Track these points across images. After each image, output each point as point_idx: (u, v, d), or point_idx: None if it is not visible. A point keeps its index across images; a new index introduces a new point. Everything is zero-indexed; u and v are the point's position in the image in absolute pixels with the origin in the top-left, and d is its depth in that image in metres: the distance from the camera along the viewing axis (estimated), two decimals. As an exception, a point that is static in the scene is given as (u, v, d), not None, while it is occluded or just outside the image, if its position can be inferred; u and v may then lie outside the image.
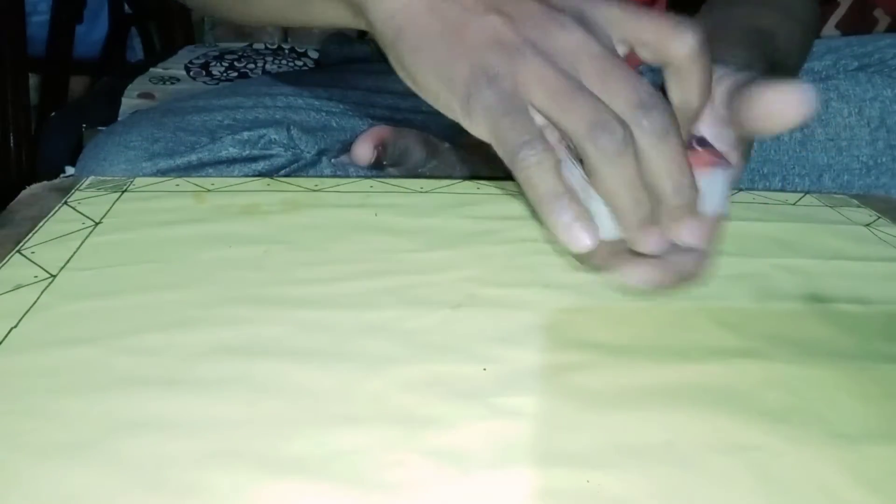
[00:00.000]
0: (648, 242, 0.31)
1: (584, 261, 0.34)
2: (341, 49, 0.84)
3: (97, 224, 0.43)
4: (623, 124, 0.29)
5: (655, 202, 0.30)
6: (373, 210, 0.46)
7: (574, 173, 0.31)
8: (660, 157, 0.29)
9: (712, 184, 0.32)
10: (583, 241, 0.29)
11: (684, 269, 0.33)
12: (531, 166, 0.29)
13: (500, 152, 0.30)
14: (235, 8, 0.46)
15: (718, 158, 0.33)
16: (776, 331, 0.35)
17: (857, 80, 0.52)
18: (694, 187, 0.30)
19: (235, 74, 1.04)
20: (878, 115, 0.52)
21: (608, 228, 0.31)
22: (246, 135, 0.56)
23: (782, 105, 0.30)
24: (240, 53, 1.13)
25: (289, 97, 0.62)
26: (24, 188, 0.48)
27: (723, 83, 0.34)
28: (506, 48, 0.30)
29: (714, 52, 0.38)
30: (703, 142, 0.33)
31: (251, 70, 1.06)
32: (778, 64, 0.42)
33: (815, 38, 0.52)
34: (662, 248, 0.31)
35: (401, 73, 0.33)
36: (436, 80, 0.31)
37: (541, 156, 0.29)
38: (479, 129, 0.31)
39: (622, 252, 0.32)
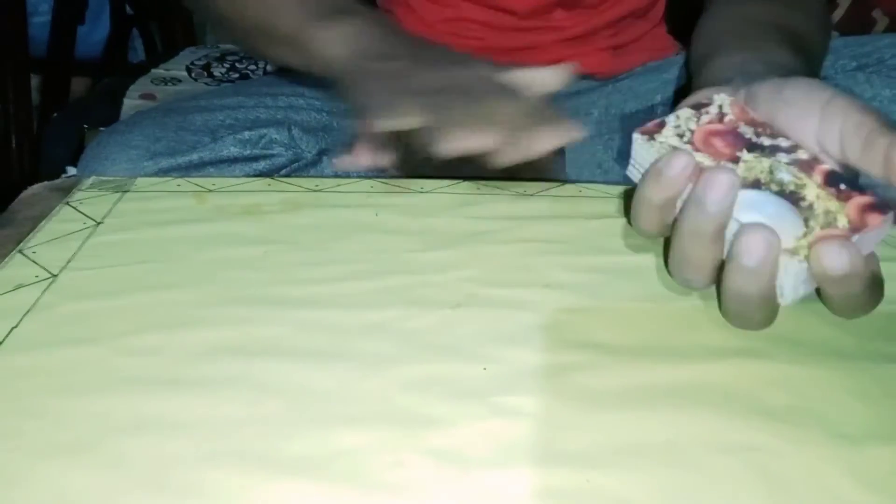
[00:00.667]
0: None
1: None
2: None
3: (98, 224, 0.44)
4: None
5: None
6: (373, 210, 0.46)
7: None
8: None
9: (876, 234, 0.29)
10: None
11: None
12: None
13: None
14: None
15: (876, 201, 0.29)
16: (777, 331, 0.35)
17: (855, 81, 0.52)
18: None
19: (237, 75, 1.04)
20: (878, 115, 0.52)
21: (783, 234, 0.28)
22: (247, 134, 0.56)
23: None
24: (241, 55, 1.13)
25: (290, 97, 0.62)
26: (26, 188, 0.48)
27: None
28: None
29: (750, 48, 0.42)
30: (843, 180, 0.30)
31: (252, 71, 1.06)
32: (812, 67, 0.43)
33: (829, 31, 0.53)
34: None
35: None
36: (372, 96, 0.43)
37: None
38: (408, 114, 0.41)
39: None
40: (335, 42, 0.46)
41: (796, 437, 0.29)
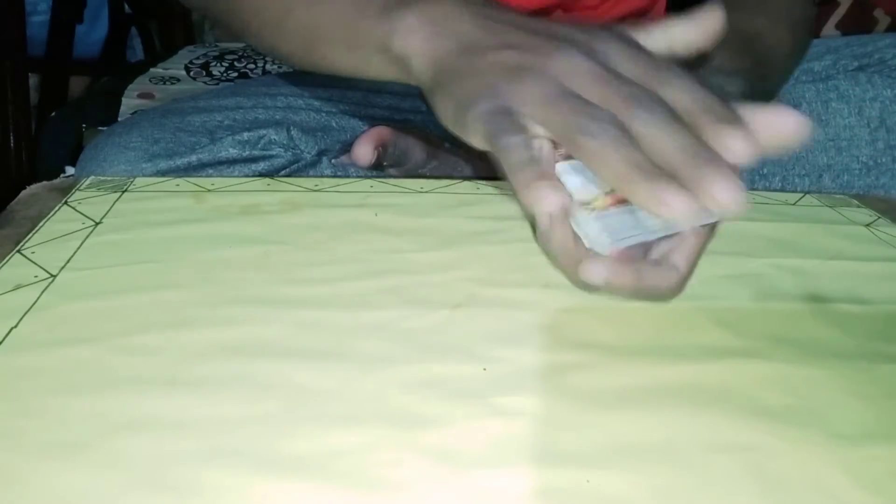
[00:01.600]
0: (676, 205, 0.28)
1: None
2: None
3: (97, 224, 0.43)
4: (614, 116, 0.30)
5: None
6: (373, 210, 0.46)
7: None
8: (666, 137, 0.29)
9: None
10: (547, 199, 0.29)
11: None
12: (511, 147, 0.30)
13: (492, 149, 0.31)
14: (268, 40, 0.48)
15: None
16: (776, 331, 0.35)
17: (856, 81, 0.52)
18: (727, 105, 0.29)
19: (235, 74, 1.04)
20: (878, 115, 0.52)
21: (587, 193, 0.31)
22: (246, 135, 0.56)
23: (773, 130, 0.30)
24: (240, 53, 1.13)
25: (289, 97, 0.62)
26: (24, 188, 0.48)
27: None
28: (509, 71, 0.32)
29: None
30: None
31: (251, 70, 1.06)
32: (764, 65, 0.42)
33: (811, 39, 0.52)
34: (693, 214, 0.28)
35: (437, 113, 0.35)
36: (453, 109, 0.34)
37: (522, 140, 0.30)
38: (474, 136, 0.32)
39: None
40: (413, 32, 0.36)
41: (794, 437, 0.29)
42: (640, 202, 0.28)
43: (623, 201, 0.31)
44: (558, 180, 0.31)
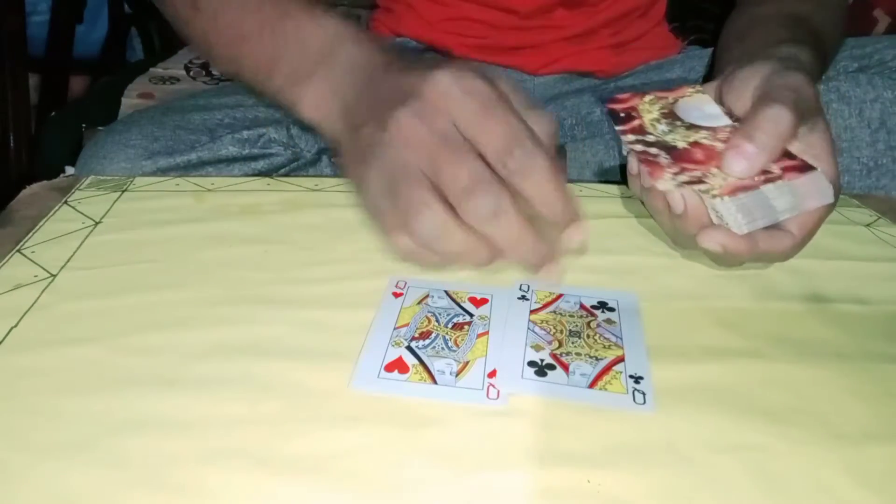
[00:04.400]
0: (551, 277, 0.32)
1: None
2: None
3: (97, 224, 0.43)
4: (498, 183, 0.30)
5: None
6: (373, 210, 0.46)
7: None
8: (533, 190, 0.30)
9: (803, 185, 0.33)
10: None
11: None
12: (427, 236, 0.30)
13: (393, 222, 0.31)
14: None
15: (802, 164, 0.34)
16: (776, 331, 0.35)
17: (857, 82, 0.52)
18: (567, 205, 0.31)
19: (235, 74, 1.04)
20: (879, 116, 0.52)
21: (740, 225, 0.33)
22: (246, 134, 0.56)
23: None
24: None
25: (289, 97, 0.62)
26: (24, 188, 0.48)
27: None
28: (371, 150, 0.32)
29: (755, 39, 0.43)
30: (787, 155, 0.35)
31: (251, 70, 1.06)
32: (818, 42, 0.44)
33: (844, 22, 0.54)
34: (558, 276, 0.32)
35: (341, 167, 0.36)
36: (355, 179, 0.34)
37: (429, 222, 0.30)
38: (400, 241, 0.32)
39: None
40: (312, 107, 0.39)
41: (795, 437, 0.29)
42: (529, 269, 0.31)
43: (745, 188, 0.33)
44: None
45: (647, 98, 0.40)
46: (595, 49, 0.67)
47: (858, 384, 0.32)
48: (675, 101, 0.39)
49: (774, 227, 0.35)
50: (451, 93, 0.31)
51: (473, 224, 0.30)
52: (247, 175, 0.56)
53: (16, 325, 0.34)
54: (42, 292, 0.36)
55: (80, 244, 0.41)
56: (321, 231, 0.43)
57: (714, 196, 0.33)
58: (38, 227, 0.43)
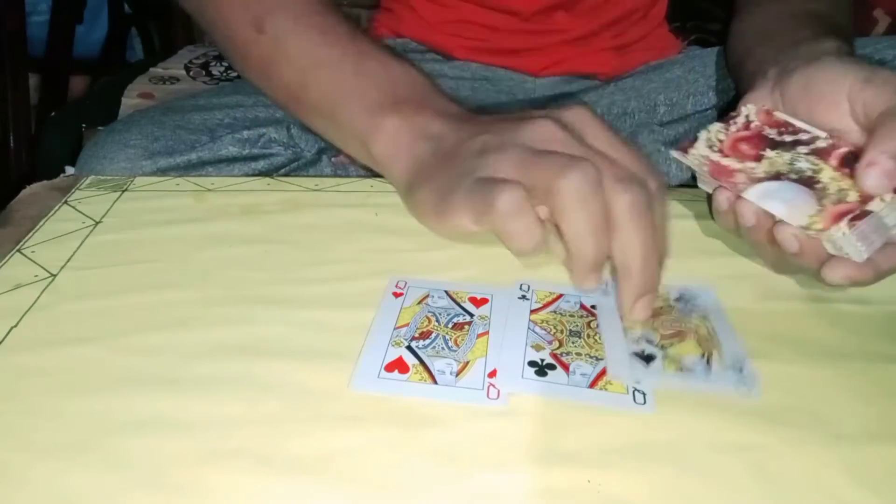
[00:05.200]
0: (589, 286, 0.32)
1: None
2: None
3: (97, 223, 0.43)
4: (596, 167, 0.31)
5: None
6: (373, 210, 0.46)
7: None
8: (634, 231, 0.31)
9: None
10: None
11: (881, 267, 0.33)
12: (508, 213, 0.30)
13: (480, 221, 0.32)
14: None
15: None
16: (776, 331, 0.35)
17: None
18: (657, 269, 0.32)
19: (235, 74, 1.04)
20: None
21: (799, 214, 0.32)
22: (246, 133, 0.56)
23: None
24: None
25: (289, 97, 0.62)
26: (25, 188, 0.48)
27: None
28: (481, 152, 0.34)
29: (786, 36, 0.43)
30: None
31: (251, 70, 1.06)
32: (839, 42, 0.43)
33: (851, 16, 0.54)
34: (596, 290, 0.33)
35: (416, 207, 0.37)
36: (434, 198, 0.34)
37: (514, 195, 0.30)
38: (459, 215, 0.33)
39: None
40: (394, 138, 0.38)
41: (795, 437, 0.29)
42: (573, 269, 0.32)
43: (853, 212, 0.32)
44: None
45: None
46: (596, 51, 0.67)
47: (858, 384, 0.32)
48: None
49: (887, 243, 0.33)
50: (556, 132, 0.33)
51: (565, 197, 0.30)
52: (247, 175, 0.56)
53: (16, 325, 0.34)
54: (42, 292, 0.36)
55: (80, 244, 0.41)
56: (321, 231, 0.43)
57: (833, 232, 0.31)
58: (38, 227, 0.43)
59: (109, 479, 0.26)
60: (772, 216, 0.34)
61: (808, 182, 0.34)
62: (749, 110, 0.38)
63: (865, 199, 0.32)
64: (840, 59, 0.37)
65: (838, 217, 0.32)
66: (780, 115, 0.37)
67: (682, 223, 0.44)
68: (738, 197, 0.35)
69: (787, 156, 0.35)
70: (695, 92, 0.61)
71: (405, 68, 0.41)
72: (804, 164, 0.34)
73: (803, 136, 0.36)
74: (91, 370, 0.31)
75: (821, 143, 0.35)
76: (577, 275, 0.32)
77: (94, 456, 0.27)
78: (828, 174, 0.34)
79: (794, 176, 0.34)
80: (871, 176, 0.32)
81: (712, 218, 0.38)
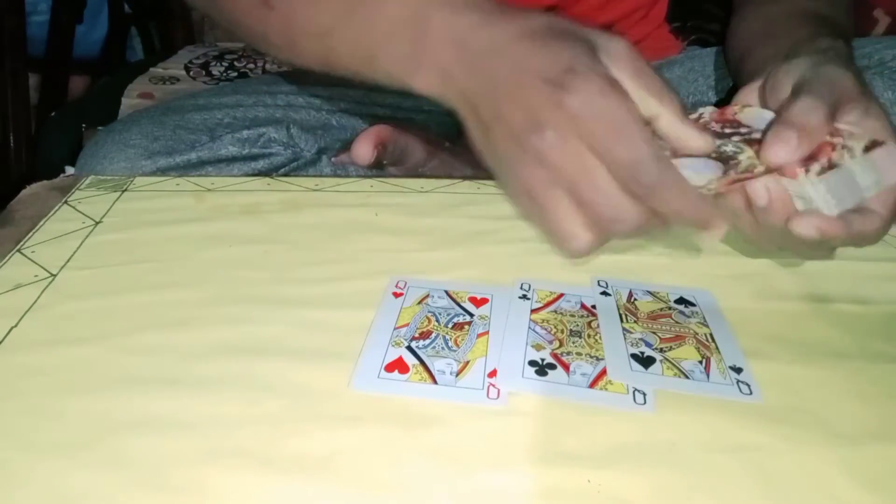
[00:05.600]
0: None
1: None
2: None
3: (97, 223, 0.43)
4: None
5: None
6: (373, 210, 0.46)
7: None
8: (668, 209, 0.30)
9: (881, 158, 0.33)
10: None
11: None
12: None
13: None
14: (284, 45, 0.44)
15: (871, 142, 0.34)
16: (776, 331, 0.35)
17: (858, 82, 0.52)
18: (701, 211, 0.32)
19: (235, 74, 1.04)
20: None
21: (700, 179, 0.33)
22: (246, 133, 0.56)
23: None
24: (240, 53, 1.13)
25: (289, 95, 0.62)
26: (25, 188, 0.48)
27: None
28: (535, 142, 0.31)
29: (786, 37, 0.43)
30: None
31: (251, 70, 1.06)
32: (847, 39, 0.44)
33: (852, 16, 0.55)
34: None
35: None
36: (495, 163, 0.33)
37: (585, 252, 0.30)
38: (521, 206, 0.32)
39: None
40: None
41: (795, 437, 0.29)
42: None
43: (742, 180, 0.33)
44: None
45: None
46: (596, 51, 0.67)
47: (858, 384, 0.32)
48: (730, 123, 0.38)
49: (862, 208, 0.34)
50: (581, 118, 0.31)
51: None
52: (247, 175, 0.56)
53: (16, 325, 0.34)
54: (42, 292, 0.36)
55: (80, 244, 0.41)
56: (321, 231, 0.43)
57: (801, 181, 0.33)
58: (38, 227, 0.43)
59: (110, 478, 0.26)
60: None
61: (726, 160, 0.35)
62: (706, 110, 0.39)
63: (769, 171, 0.34)
64: (802, 60, 0.38)
65: (733, 182, 0.33)
66: (740, 115, 0.38)
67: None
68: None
69: (718, 142, 0.36)
70: (695, 92, 0.61)
71: None
72: (729, 148, 0.36)
73: (743, 130, 0.37)
74: (91, 370, 0.31)
75: (755, 135, 0.36)
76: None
77: (94, 455, 0.27)
78: (747, 154, 0.35)
79: (714, 155, 0.35)
80: (772, 146, 0.33)
81: None
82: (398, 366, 0.32)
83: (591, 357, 0.33)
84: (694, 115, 0.39)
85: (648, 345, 0.33)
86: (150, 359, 0.32)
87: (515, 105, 0.32)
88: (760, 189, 0.34)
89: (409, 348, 0.33)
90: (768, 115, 0.37)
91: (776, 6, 0.52)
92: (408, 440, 0.28)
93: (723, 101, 0.60)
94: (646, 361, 0.32)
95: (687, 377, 0.31)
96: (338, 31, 0.40)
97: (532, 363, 0.32)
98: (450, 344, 0.33)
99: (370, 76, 0.40)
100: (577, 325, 0.35)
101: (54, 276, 0.38)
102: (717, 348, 0.34)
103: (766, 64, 0.41)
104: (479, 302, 0.36)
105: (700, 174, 0.34)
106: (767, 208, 0.34)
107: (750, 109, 0.38)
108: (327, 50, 0.41)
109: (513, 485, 0.26)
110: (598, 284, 0.38)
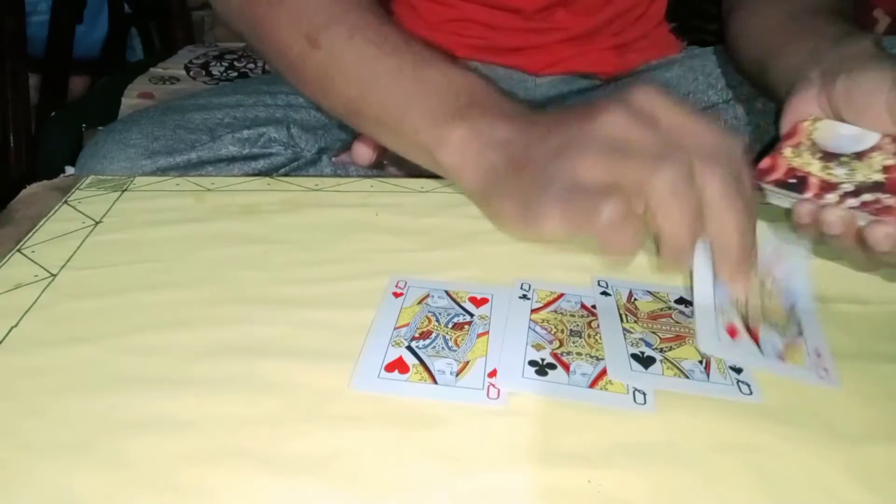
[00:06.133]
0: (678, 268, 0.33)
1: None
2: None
3: (97, 223, 0.43)
4: (683, 159, 0.30)
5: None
6: (373, 210, 0.46)
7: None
8: (728, 212, 0.31)
9: None
10: None
11: None
12: (613, 224, 0.30)
13: (571, 226, 0.31)
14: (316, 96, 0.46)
15: None
16: (776, 331, 0.35)
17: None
18: (752, 240, 0.32)
19: (235, 74, 1.04)
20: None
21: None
22: (246, 133, 0.56)
23: None
24: (240, 53, 1.13)
25: (289, 95, 0.62)
26: (25, 187, 0.48)
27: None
28: (559, 153, 0.33)
29: (818, 38, 0.43)
30: None
31: (251, 70, 1.06)
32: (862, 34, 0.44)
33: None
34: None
35: (498, 215, 0.35)
36: (517, 204, 0.33)
37: (619, 206, 0.30)
38: (548, 221, 0.32)
39: None
40: (462, 147, 0.37)
41: (795, 437, 0.29)
42: (665, 257, 0.31)
43: None
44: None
45: (788, 153, 0.39)
46: (597, 50, 0.67)
47: (859, 384, 0.32)
48: (812, 142, 0.39)
49: None
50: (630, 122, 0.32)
51: (660, 192, 0.30)
52: (247, 175, 0.56)
53: (16, 325, 0.34)
54: (42, 292, 0.36)
55: (80, 244, 0.41)
56: (321, 231, 0.43)
57: None
58: (38, 227, 0.43)
59: (109, 478, 0.26)
60: (856, 221, 0.35)
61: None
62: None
63: None
64: (877, 66, 0.38)
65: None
66: (815, 135, 0.39)
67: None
68: (821, 209, 0.36)
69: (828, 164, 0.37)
70: (695, 91, 0.61)
71: (464, 73, 0.40)
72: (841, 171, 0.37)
73: (868, 143, 0.37)
74: (91, 370, 0.31)
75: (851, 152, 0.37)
76: (668, 262, 0.32)
77: (94, 456, 0.27)
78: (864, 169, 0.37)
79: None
80: None
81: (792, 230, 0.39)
82: (398, 366, 0.32)
83: (591, 357, 0.33)
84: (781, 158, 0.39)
85: (648, 345, 0.33)
86: (150, 359, 0.32)
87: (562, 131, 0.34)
88: (882, 237, 0.34)
89: (410, 348, 0.33)
90: (846, 129, 0.38)
91: (784, 3, 0.51)
92: (408, 440, 0.28)
93: (723, 101, 0.60)
94: (646, 361, 0.32)
95: (687, 377, 0.31)
96: (377, 81, 0.41)
97: (532, 363, 0.32)
98: (450, 344, 0.33)
99: (390, 136, 0.42)
100: (578, 325, 0.35)
101: (54, 276, 0.38)
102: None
103: (803, 64, 0.41)
104: (479, 302, 0.36)
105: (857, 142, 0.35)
106: (891, 252, 0.34)
107: (823, 123, 0.39)
108: (360, 99, 0.42)
109: (513, 485, 0.26)
110: (599, 284, 0.38)
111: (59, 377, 0.31)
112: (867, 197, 0.35)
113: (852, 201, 0.35)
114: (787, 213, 0.38)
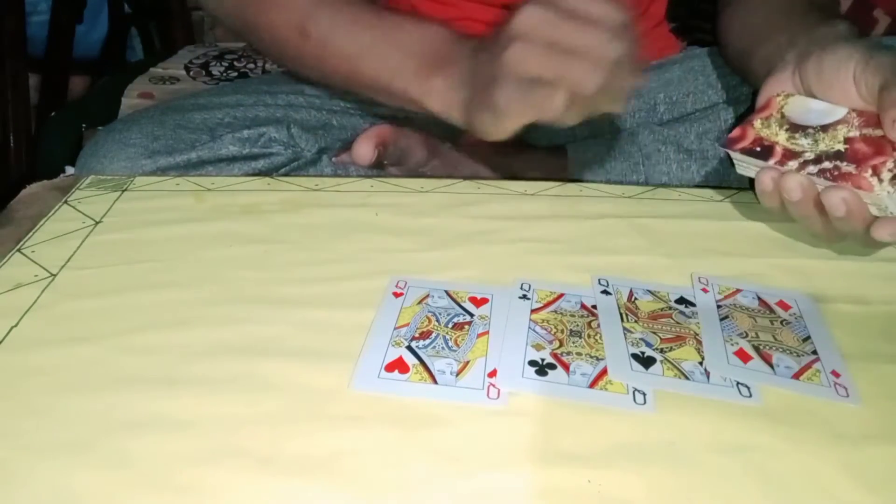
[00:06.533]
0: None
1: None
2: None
3: (97, 223, 0.43)
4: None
5: None
6: (373, 210, 0.46)
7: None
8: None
9: None
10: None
11: None
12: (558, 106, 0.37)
13: (536, 115, 0.39)
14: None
15: None
16: (776, 331, 0.35)
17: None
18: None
19: (235, 74, 1.04)
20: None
21: None
22: (246, 133, 0.56)
23: None
24: (240, 53, 1.13)
25: (289, 95, 0.62)
26: (25, 188, 0.48)
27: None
28: (498, 62, 0.40)
29: (799, 24, 0.46)
30: None
31: (251, 70, 1.06)
32: (841, 21, 0.46)
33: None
34: None
35: (480, 130, 0.43)
36: (488, 116, 0.41)
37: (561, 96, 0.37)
38: (516, 118, 0.40)
39: None
40: (444, 93, 0.46)
41: (794, 437, 0.29)
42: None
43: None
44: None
45: (758, 124, 0.40)
46: (595, 49, 0.67)
47: (859, 384, 0.32)
48: (782, 115, 0.40)
49: None
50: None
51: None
52: (247, 174, 0.56)
53: (16, 325, 0.34)
54: (42, 292, 0.36)
55: (81, 244, 0.41)
56: (321, 231, 0.43)
57: (877, 191, 0.35)
58: (38, 227, 0.43)
59: (110, 478, 0.26)
60: (815, 187, 0.37)
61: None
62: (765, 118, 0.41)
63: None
64: (846, 44, 0.39)
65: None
66: (786, 108, 0.40)
67: (683, 223, 0.44)
68: (782, 175, 0.38)
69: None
70: (694, 90, 0.61)
71: (431, 32, 0.48)
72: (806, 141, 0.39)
73: (835, 116, 0.39)
74: (91, 370, 0.31)
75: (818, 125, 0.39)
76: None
77: (94, 455, 0.27)
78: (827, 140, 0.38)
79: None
80: None
81: (757, 201, 0.40)
82: (398, 366, 0.32)
83: (592, 357, 0.33)
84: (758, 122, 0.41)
85: (649, 345, 0.33)
86: (150, 359, 0.32)
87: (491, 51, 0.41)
88: (838, 202, 0.36)
89: (410, 348, 0.33)
90: (816, 104, 0.39)
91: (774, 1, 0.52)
92: (408, 440, 0.28)
93: (723, 101, 0.60)
94: (646, 361, 0.32)
95: (687, 378, 0.31)
96: (363, 55, 0.49)
97: (532, 363, 0.32)
98: (450, 344, 0.33)
99: (385, 97, 0.50)
100: (578, 325, 0.35)
101: (54, 275, 0.38)
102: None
103: (781, 49, 0.43)
104: (479, 302, 0.36)
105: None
106: (845, 217, 0.36)
107: (794, 99, 0.40)
108: (353, 73, 0.50)
109: (513, 485, 0.26)
110: (599, 283, 0.38)
111: (59, 377, 0.31)
112: (826, 164, 0.37)
113: (812, 168, 0.37)
114: (753, 184, 0.40)
